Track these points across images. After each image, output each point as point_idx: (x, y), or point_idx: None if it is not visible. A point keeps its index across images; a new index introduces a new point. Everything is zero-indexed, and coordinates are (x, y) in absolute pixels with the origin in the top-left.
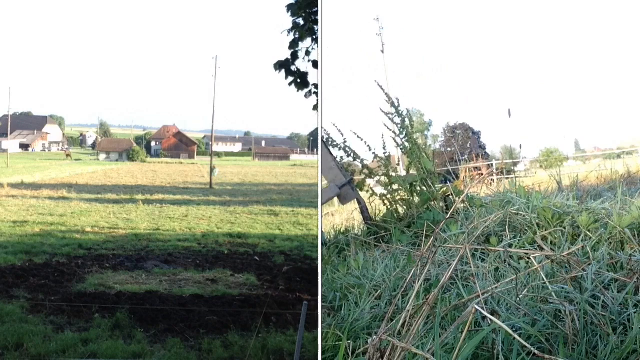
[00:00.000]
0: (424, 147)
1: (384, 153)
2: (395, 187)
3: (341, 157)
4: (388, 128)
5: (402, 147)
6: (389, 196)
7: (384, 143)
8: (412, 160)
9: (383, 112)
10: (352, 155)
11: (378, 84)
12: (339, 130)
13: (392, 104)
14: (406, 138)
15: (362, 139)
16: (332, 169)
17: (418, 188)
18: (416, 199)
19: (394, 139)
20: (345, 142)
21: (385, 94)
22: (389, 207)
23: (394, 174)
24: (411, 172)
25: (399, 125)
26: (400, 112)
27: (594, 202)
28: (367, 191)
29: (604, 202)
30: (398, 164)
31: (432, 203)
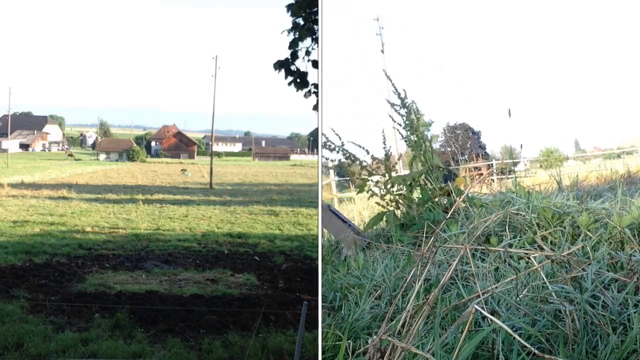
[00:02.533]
0: (429, 141)
1: (384, 148)
2: (395, 188)
3: (339, 160)
4: (393, 119)
5: (406, 139)
6: (387, 197)
7: (384, 138)
8: (417, 154)
9: (389, 102)
10: (350, 157)
11: (385, 74)
12: (337, 134)
13: (399, 95)
14: (411, 130)
15: (359, 146)
16: (345, 230)
17: (422, 182)
18: (417, 196)
19: (398, 130)
20: (342, 145)
21: (392, 84)
22: (384, 207)
23: (393, 174)
24: (414, 167)
25: (405, 117)
26: (406, 104)
27: (594, 202)
28: (368, 191)
29: (604, 202)
30: (397, 164)
31: (437, 199)
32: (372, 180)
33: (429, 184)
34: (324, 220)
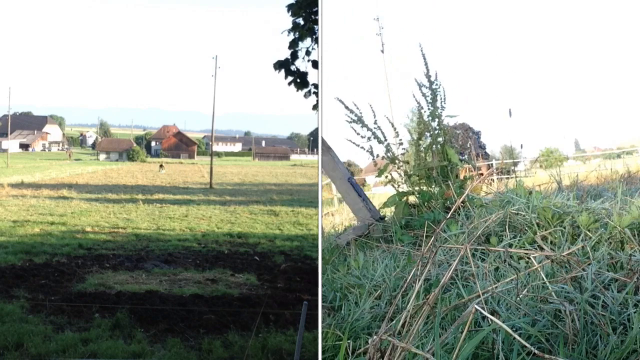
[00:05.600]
0: (448, 134)
1: (422, 113)
2: (414, 178)
3: (368, 138)
4: (416, 101)
5: (427, 123)
6: (411, 179)
7: (421, 109)
8: (434, 142)
9: (417, 82)
10: (377, 138)
11: (421, 50)
12: (373, 110)
13: (427, 76)
14: (433, 116)
15: (392, 124)
16: (361, 210)
17: (434, 175)
18: (435, 189)
19: (420, 112)
20: (376, 122)
21: (425, 63)
22: (400, 192)
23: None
24: (428, 157)
25: (429, 99)
26: (433, 86)
27: (594, 202)
28: (387, 177)
29: (604, 202)
30: (406, 163)
31: (446, 199)
32: (394, 165)
33: (443, 177)
34: (342, 190)
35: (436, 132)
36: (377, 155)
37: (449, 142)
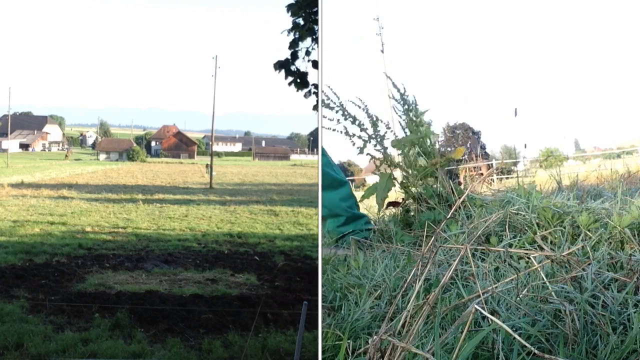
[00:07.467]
0: (429, 138)
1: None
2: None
3: (337, 121)
4: (396, 111)
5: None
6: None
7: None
8: (417, 143)
9: (390, 97)
10: (349, 117)
11: (385, 75)
12: (335, 93)
13: (398, 90)
14: (410, 127)
15: (359, 106)
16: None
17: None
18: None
19: (400, 123)
20: (367, 110)
21: (392, 82)
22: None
23: (397, 156)
24: (421, 163)
25: (404, 114)
26: (406, 99)
27: (594, 202)
28: (367, 154)
29: (604, 202)
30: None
31: (437, 175)
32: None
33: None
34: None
35: (420, 138)
36: (372, 159)
37: (447, 145)
